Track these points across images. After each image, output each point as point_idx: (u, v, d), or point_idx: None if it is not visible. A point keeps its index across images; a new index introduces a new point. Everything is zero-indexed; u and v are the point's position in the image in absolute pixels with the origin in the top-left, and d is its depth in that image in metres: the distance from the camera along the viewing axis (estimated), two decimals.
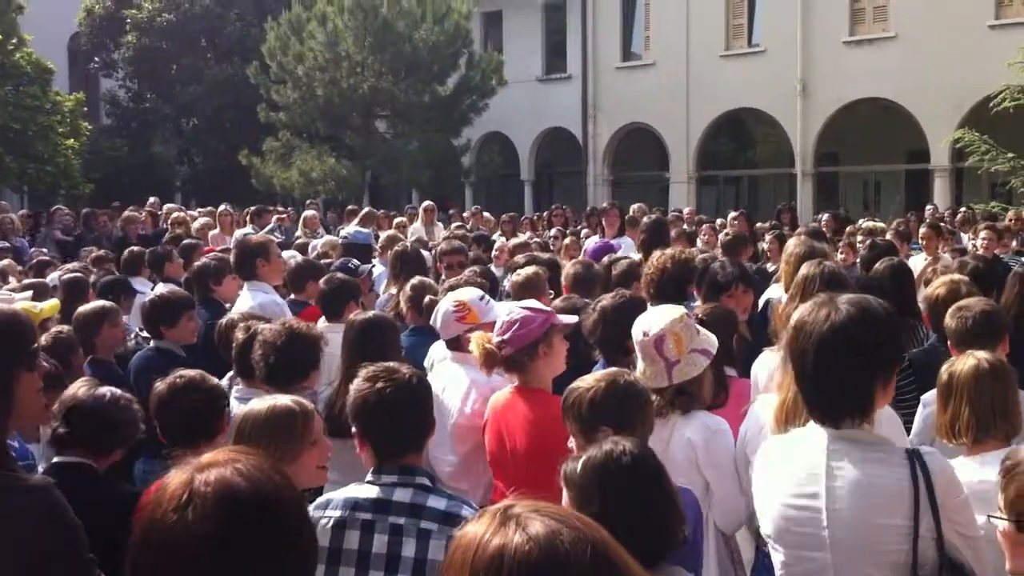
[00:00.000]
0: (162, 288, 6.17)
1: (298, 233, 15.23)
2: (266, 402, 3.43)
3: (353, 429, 3.22)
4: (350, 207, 17.09)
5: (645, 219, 9.39)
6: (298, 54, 26.28)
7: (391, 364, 3.30)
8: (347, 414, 3.27)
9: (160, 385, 3.91)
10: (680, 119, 28.37)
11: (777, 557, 2.87)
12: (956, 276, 5.22)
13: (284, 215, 15.93)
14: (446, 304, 4.83)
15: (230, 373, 5.14)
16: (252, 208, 16.50)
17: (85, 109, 29.52)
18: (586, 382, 3.39)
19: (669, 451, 3.83)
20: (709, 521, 3.90)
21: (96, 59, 35.71)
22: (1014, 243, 12.66)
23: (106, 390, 3.84)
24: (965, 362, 3.64)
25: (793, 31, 25.73)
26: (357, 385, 3.19)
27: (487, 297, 4.91)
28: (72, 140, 27.72)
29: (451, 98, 27.41)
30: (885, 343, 2.73)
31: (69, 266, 9.29)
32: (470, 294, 4.90)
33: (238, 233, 13.45)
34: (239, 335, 4.89)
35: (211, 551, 1.64)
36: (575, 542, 1.42)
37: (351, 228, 9.15)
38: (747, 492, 3.84)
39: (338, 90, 26.05)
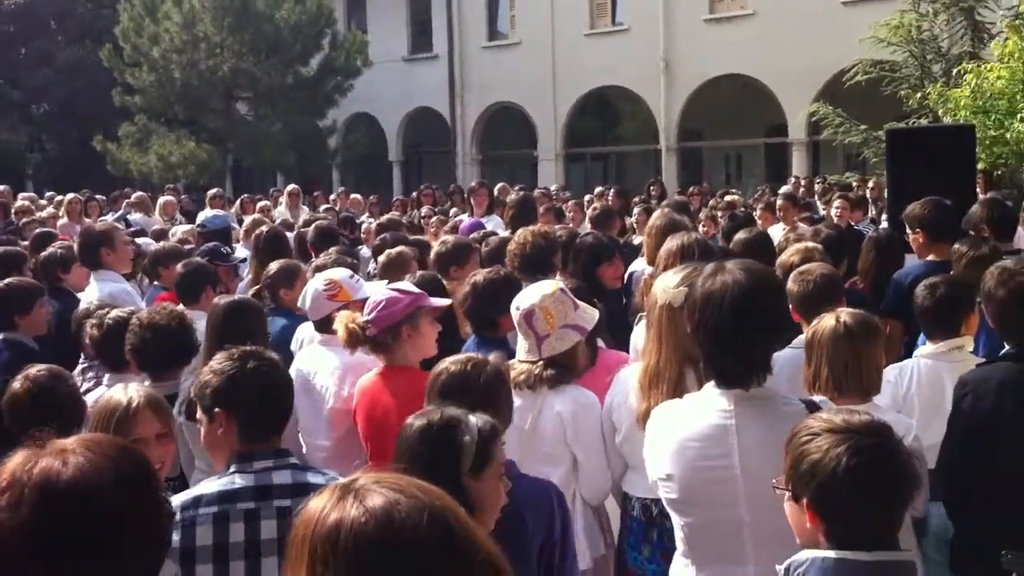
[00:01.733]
0: (10, 278, 5.84)
1: (155, 218, 14.77)
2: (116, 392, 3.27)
3: (215, 410, 3.03)
4: (211, 192, 16.58)
5: (511, 196, 9.38)
6: (153, 35, 25.47)
7: (256, 347, 3.16)
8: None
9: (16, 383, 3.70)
10: (547, 97, 28.52)
11: (684, 520, 2.92)
12: (809, 244, 5.37)
13: (130, 200, 15.28)
14: (316, 283, 4.71)
15: (82, 364, 4.91)
16: (98, 197, 15.88)
17: None
18: (443, 364, 3.34)
19: (539, 424, 3.84)
20: (577, 495, 3.90)
21: None
22: (871, 212, 13.10)
23: None
24: (827, 321, 3.74)
25: (655, 9, 26.10)
26: (220, 365, 3.03)
27: (357, 276, 4.80)
28: None
29: (315, 79, 27.00)
30: (783, 307, 2.91)
31: None
32: (340, 273, 4.80)
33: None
34: (93, 330, 4.67)
35: (27, 543, 1.55)
36: (412, 510, 1.43)
37: (205, 214, 8.85)
38: (613, 461, 3.88)
39: (196, 72, 25.38)
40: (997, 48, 12.51)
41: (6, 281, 5.72)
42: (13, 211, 14.07)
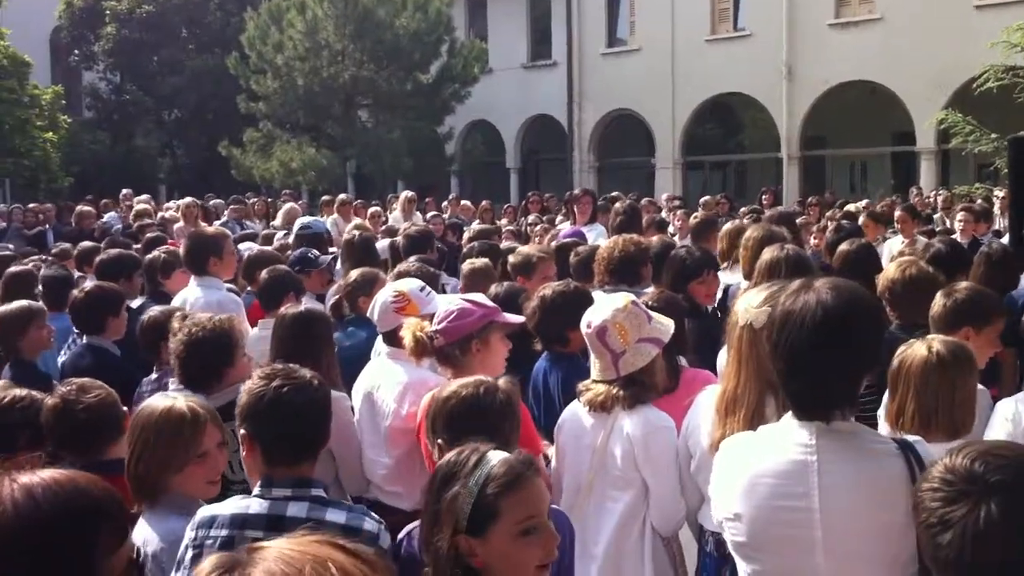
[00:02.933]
0: (90, 283, 5.92)
1: (275, 224, 14.99)
2: (163, 402, 3.19)
3: (242, 432, 2.96)
4: (325, 198, 16.79)
5: (617, 205, 9.14)
6: (277, 43, 25.99)
7: (291, 365, 3.04)
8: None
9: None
10: (666, 104, 28.13)
11: (751, 568, 2.61)
12: (911, 259, 4.98)
13: (239, 207, 15.54)
14: (385, 294, 4.57)
15: (153, 375, 4.89)
16: (215, 202, 16.24)
17: (64, 102, 29.22)
18: (451, 387, 3.19)
19: (608, 445, 3.65)
20: (647, 523, 3.69)
21: (76, 52, 35.32)
22: (996, 224, 12.46)
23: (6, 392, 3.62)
24: (917, 350, 3.42)
25: (778, 14, 25.51)
26: (250, 384, 2.94)
27: (428, 288, 4.64)
28: (50, 133, 27.48)
29: (433, 86, 27.17)
30: (874, 329, 2.56)
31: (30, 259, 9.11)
32: (410, 284, 4.64)
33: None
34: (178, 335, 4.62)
35: None
36: None
37: (304, 220, 8.88)
38: (688, 490, 3.65)
39: (318, 79, 25.80)
40: None
41: (89, 287, 5.79)
42: (132, 214, 14.49)
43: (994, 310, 4.34)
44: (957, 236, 10.41)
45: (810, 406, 2.51)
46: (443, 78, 27.48)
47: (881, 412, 3.44)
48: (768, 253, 4.48)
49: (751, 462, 2.59)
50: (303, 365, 4.24)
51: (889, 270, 4.89)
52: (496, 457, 2.36)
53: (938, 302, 4.32)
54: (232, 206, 15.53)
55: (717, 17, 27.59)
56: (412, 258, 6.22)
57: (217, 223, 14.76)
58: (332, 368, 4.44)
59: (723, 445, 2.76)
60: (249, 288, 7.20)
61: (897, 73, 23.64)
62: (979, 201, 14.22)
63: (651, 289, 5.76)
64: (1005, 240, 10.33)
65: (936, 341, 3.41)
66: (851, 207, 13.74)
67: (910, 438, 2.58)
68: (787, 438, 2.54)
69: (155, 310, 5.16)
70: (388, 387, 4.36)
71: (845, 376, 2.48)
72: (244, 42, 26.94)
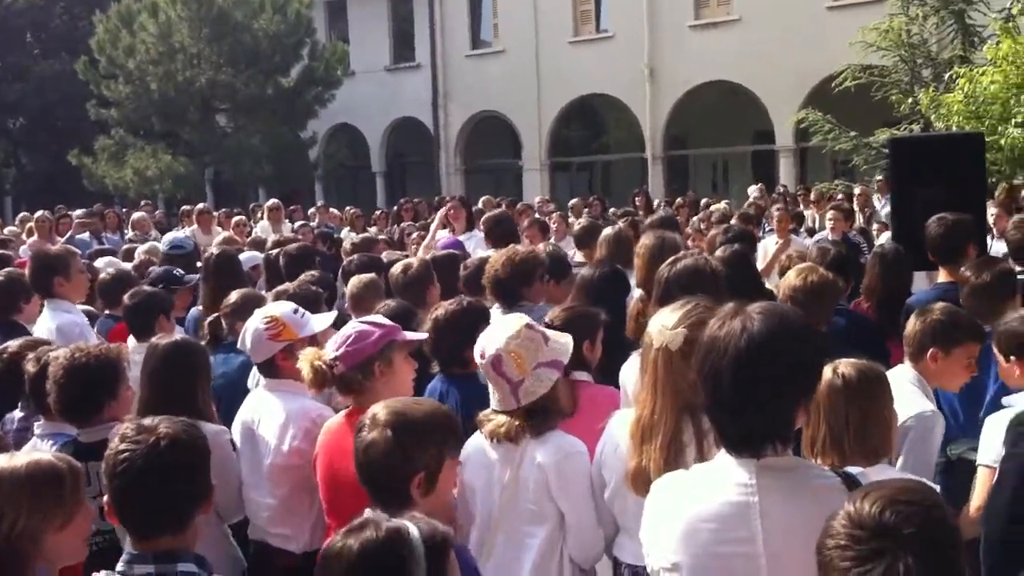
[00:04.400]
0: None
1: (128, 235, 14.33)
2: (21, 457, 2.81)
3: (105, 498, 2.67)
4: (185, 208, 16.15)
5: (488, 214, 8.92)
6: (129, 47, 25.03)
7: (148, 421, 2.68)
8: None
9: None
10: (531, 106, 28.16)
11: None
12: (809, 265, 4.90)
13: (89, 222, 14.74)
14: (255, 321, 4.22)
15: (17, 412, 4.47)
16: (78, 212, 15.41)
17: None
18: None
19: (519, 477, 3.41)
20: (565, 557, 3.47)
21: None
22: (858, 220, 12.77)
23: None
24: (823, 374, 3.24)
25: (640, 16, 25.75)
26: (111, 445, 2.62)
27: (301, 309, 4.32)
28: None
29: (295, 90, 26.62)
30: (810, 359, 2.36)
31: None
32: (282, 308, 4.32)
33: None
34: (29, 367, 4.21)
35: None
36: None
37: (170, 237, 8.40)
38: (604, 520, 3.46)
39: (173, 84, 24.95)
40: (990, 51, 12.19)
41: None
42: None
43: (965, 332, 4.16)
44: (827, 234, 10.61)
45: (739, 440, 2.33)
46: (305, 81, 26.94)
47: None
48: (671, 266, 4.28)
49: (688, 505, 2.39)
50: (176, 399, 3.96)
51: (789, 277, 4.79)
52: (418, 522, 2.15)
53: (910, 323, 4.19)
54: (84, 219, 14.72)
55: (580, 19, 27.75)
56: (301, 277, 5.88)
57: (69, 234, 14.05)
58: (207, 401, 4.11)
59: (655, 487, 2.55)
60: (107, 311, 6.72)
61: (756, 73, 24.14)
62: (840, 197, 14.60)
63: (542, 303, 5.59)
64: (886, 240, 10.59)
65: (843, 363, 3.25)
66: (716, 207, 13.89)
67: (852, 470, 2.47)
68: (724, 478, 2.35)
69: (12, 344, 4.70)
70: (268, 421, 4.05)
71: (775, 408, 2.31)
72: (94, 46, 25.85)
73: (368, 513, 2.29)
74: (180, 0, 24.47)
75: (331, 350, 3.72)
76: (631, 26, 25.94)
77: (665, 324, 3.10)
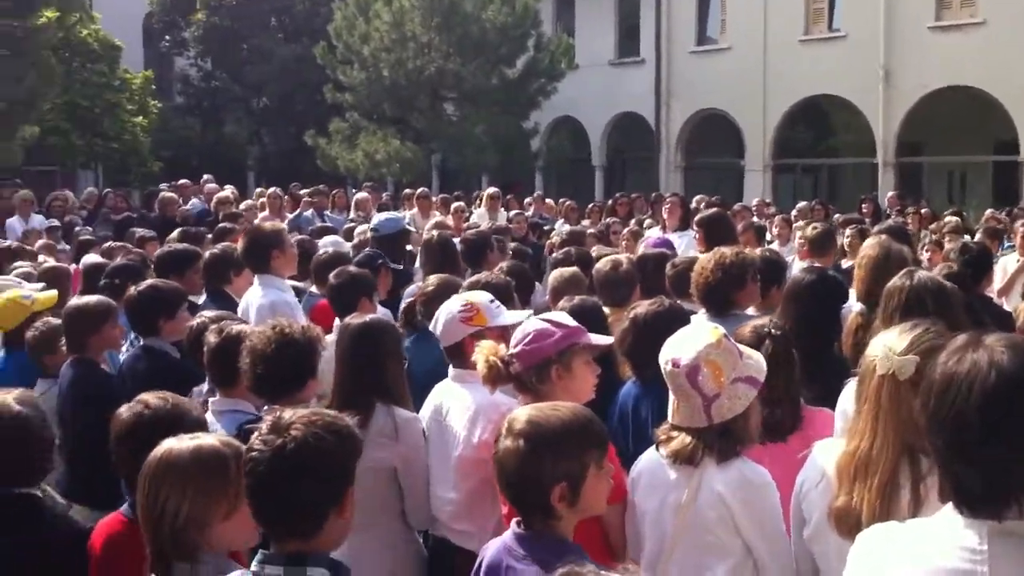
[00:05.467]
0: (151, 280, 5.65)
1: (352, 216, 14.81)
2: (187, 441, 2.81)
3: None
4: (407, 191, 16.55)
5: (702, 213, 8.57)
6: (364, 34, 25.88)
7: (286, 416, 2.56)
8: None
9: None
10: (756, 105, 27.38)
11: None
12: None
13: (314, 200, 15.33)
14: (452, 304, 4.16)
15: (205, 384, 4.60)
16: (305, 191, 16.06)
17: (154, 87, 29.52)
18: None
19: (697, 506, 3.12)
20: None
21: (168, 38, 35.74)
22: None
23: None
24: None
25: (876, 16, 24.59)
26: (253, 437, 2.55)
27: (497, 302, 4.24)
28: (141, 118, 27.73)
29: (519, 81, 26.86)
30: None
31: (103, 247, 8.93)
32: (480, 296, 4.25)
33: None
34: (211, 338, 4.30)
35: None
36: None
37: (379, 217, 8.56)
38: (800, 559, 3.15)
39: (404, 71, 25.60)
40: None
41: (150, 283, 5.52)
42: (214, 201, 14.37)
43: None
44: None
45: (979, 497, 1.95)
46: (529, 73, 27.14)
47: None
48: (902, 281, 3.92)
49: (901, 565, 2.05)
50: (367, 380, 3.96)
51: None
52: None
53: None
54: (310, 198, 15.35)
55: (811, 17, 26.77)
56: (499, 267, 5.84)
57: (297, 212, 14.65)
58: (400, 384, 4.08)
59: (863, 537, 2.21)
60: (313, 288, 6.91)
61: (1000, 79, 22.63)
62: None
63: (752, 310, 5.31)
64: None
65: None
66: (948, 219, 13.03)
67: None
68: (948, 539, 1.99)
69: (205, 314, 4.86)
70: (457, 412, 3.97)
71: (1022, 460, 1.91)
72: (331, 32, 26.89)
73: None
74: None
75: (511, 346, 3.61)
76: (866, 26, 24.79)
77: (892, 348, 2.77)
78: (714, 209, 9.23)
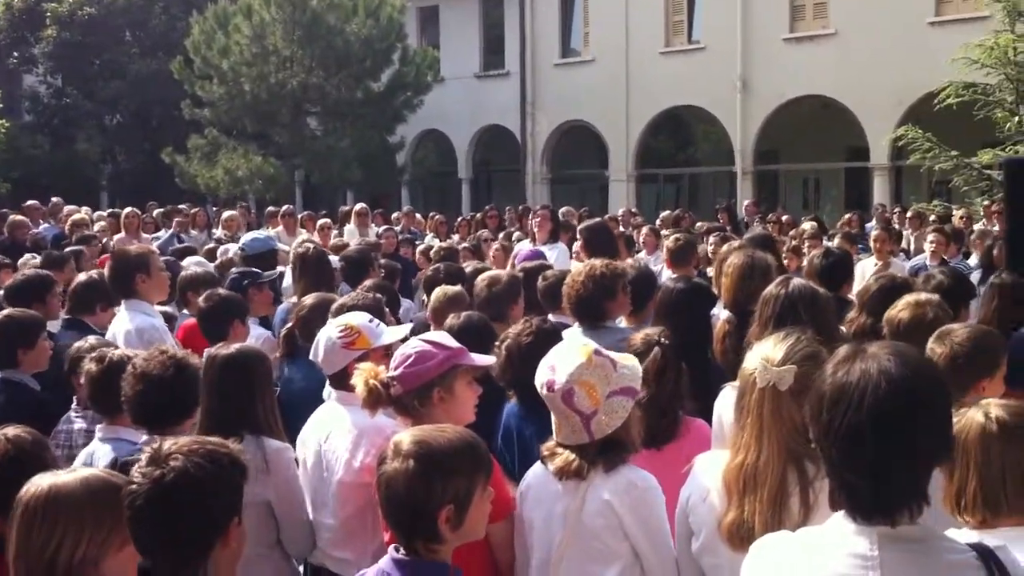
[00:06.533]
0: (6, 310, 5.34)
1: (218, 235, 14.43)
2: (69, 474, 2.65)
3: None
4: (270, 209, 16.22)
5: (584, 223, 8.56)
6: (224, 48, 25.34)
7: (166, 446, 2.49)
8: None
9: None
10: (620, 116, 27.87)
11: None
12: (922, 296, 4.52)
13: (184, 218, 14.92)
14: (329, 330, 4.05)
15: (73, 408, 4.39)
16: (160, 209, 15.60)
17: (1, 105, 28.26)
18: None
19: (583, 518, 3.12)
20: None
21: (15, 54, 34.29)
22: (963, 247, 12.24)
23: None
24: (973, 417, 2.82)
25: (733, 28, 25.33)
26: (131, 472, 2.49)
27: (376, 320, 4.15)
28: None
29: (385, 94, 26.73)
30: (947, 405, 2.04)
31: None
32: (358, 317, 4.13)
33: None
34: (91, 366, 4.12)
35: None
36: None
37: (247, 237, 8.35)
38: (689, 573, 3.17)
39: (266, 86, 25.19)
40: None
41: (6, 312, 5.23)
42: (69, 224, 13.81)
43: (1001, 350, 3.91)
44: (926, 258, 10.17)
45: (871, 505, 1.98)
46: (395, 86, 27.02)
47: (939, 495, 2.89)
48: (774, 291, 3.97)
49: (792, 575, 2.07)
50: (236, 411, 3.82)
51: (899, 309, 4.38)
52: None
53: (937, 353, 3.74)
54: (175, 218, 14.90)
55: (671, 29, 27.39)
56: (363, 285, 5.72)
57: (158, 234, 14.21)
58: (270, 414, 3.94)
59: (756, 549, 2.23)
60: (185, 310, 6.68)
61: (851, 88, 23.56)
62: (932, 217, 14.09)
63: (623, 322, 5.34)
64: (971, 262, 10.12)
65: (993, 405, 2.84)
66: (805, 226, 13.46)
67: (991, 542, 2.10)
68: (839, 546, 2.02)
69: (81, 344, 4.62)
70: (339, 436, 3.84)
71: (916, 466, 1.97)
72: (189, 46, 26.24)
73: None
74: (274, 3, 24.69)
75: (390, 369, 3.53)
76: (723, 38, 25.52)
77: (769, 359, 2.80)
78: (598, 220, 9.27)
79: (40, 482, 2.59)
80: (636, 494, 3.12)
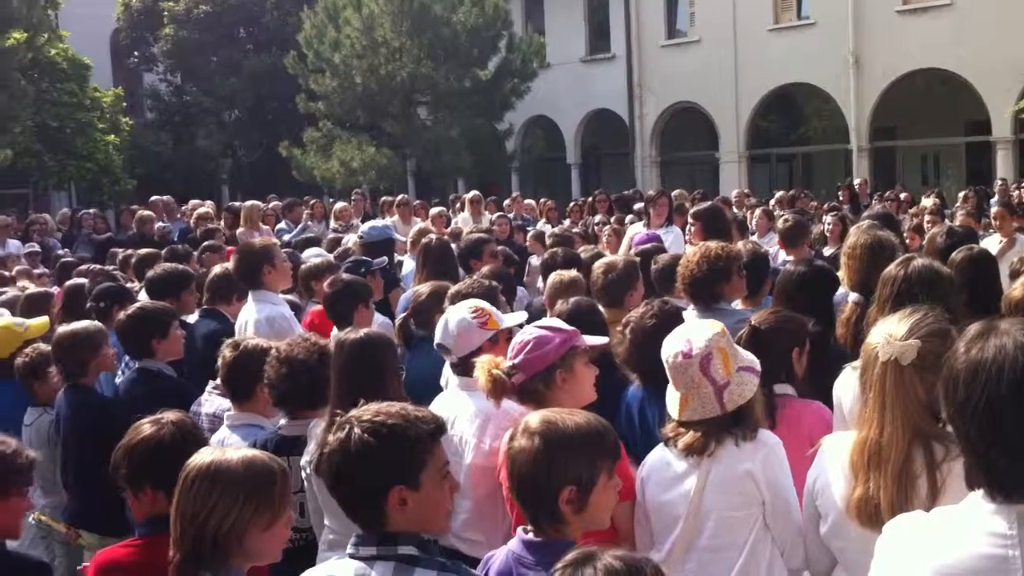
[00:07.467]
0: (139, 302, 5.60)
1: (333, 226, 14.74)
2: (234, 452, 2.84)
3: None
4: (384, 198, 16.49)
5: (696, 207, 8.49)
6: (335, 41, 25.77)
7: (365, 410, 2.64)
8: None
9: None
10: (728, 96, 27.51)
11: None
12: None
13: (310, 207, 15.34)
14: (461, 312, 4.11)
15: (211, 386, 4.59)
16: (282, 203, 16.00)
17: (125, 104, 29.29)
18: None
19: (709, 495, 3.21)
20: (769, 560, 3.28)
21: (136, 54, 35.46)
22: None
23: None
24: None
25: (844, 2, 24.75)
26: (324, 436, 2.61)
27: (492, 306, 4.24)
28: (112, 136, 27.51)
29: (492, 82, 26.82)
30: None
31: (78, 269, 8.85)
32: (482, 300, 4.25)
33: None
34: (227, 352, 4.31)
35: None
36: None
37: (365, 226, 8.53)
38: (819, 554, 3.15)
39: (376, 77, 25.53)
40: None
41: (139, 304, 5.48)
42: (192, 218, 14.28)
43: None
44: None
45: (1010, 483, 1.93)
46: (501, 74, 27.13)
47: None
48: (895, 270, 3.94)
49: (928, 556, 2.03)
50: (367, 395, 3.94)
51: (1016, 288, 4.29)
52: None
53: None
54: (303, 210, 15.33)
55: (780, 6, 26.90)
56: (480, 272, 5.82)
57: (280, 226, 14.59)
58: (399, 397, 4.05)
59: (890, 530, 2.20)
60: (313, 299, 6.89)
61: (969, 61, 22.79)
62: None
63: (738, 304, 5.33)
64: None
65: None
66: (927, 202, 13.12)
67: None
68: (976, 527, 1.98)
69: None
70: (466, 420, 3.93)
71: None
72: (301, 41, 26.78)
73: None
74: None
75: (509, 357, 3.61)
76: (834, 13, 24.95)
77: (892, 334, 2.78)
78: (711, 203, 9.18)
79: (205, 454, 2.82)
80: (767, 450, 3.23)
